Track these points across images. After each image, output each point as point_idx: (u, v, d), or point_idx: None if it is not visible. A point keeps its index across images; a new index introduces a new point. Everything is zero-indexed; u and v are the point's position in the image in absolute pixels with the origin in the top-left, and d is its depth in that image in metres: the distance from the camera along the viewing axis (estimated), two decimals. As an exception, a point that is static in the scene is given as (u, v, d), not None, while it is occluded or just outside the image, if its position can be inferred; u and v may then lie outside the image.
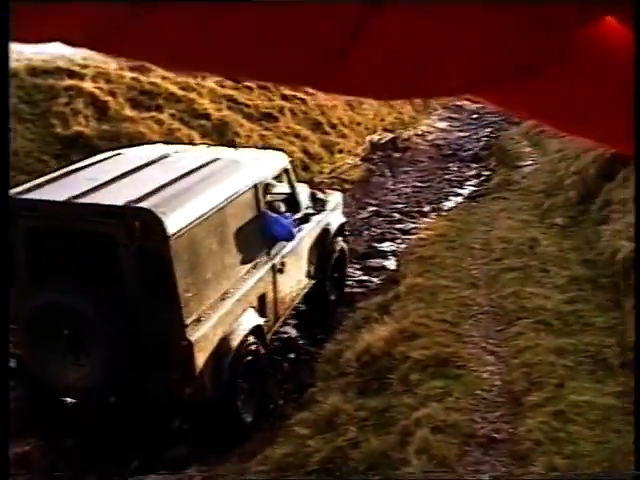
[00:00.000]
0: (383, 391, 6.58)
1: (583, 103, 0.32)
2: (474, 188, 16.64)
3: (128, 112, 14.58)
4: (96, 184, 6.47)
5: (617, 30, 0.29)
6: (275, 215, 7.53)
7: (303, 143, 17.66)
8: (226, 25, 0.26)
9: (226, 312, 6.56)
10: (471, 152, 21.43)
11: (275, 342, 8.69)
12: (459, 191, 16.54)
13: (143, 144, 9.11)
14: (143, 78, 16.21)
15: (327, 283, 9.07)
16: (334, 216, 9.41)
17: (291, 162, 8.64)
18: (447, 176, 18.07)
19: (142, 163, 7.29)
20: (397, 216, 14.14)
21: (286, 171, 8.15)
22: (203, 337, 6.16)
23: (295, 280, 8.24)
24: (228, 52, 0.27)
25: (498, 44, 0.27)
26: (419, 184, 16.90)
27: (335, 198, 9.72)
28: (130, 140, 13.53)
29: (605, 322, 7.48)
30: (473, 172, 18.39)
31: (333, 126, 18.25)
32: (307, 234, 8.48)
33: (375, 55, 0.27)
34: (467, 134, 25.23)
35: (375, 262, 11.59)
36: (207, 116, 16.04)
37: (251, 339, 6.83)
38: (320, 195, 9.29)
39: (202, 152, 8.29)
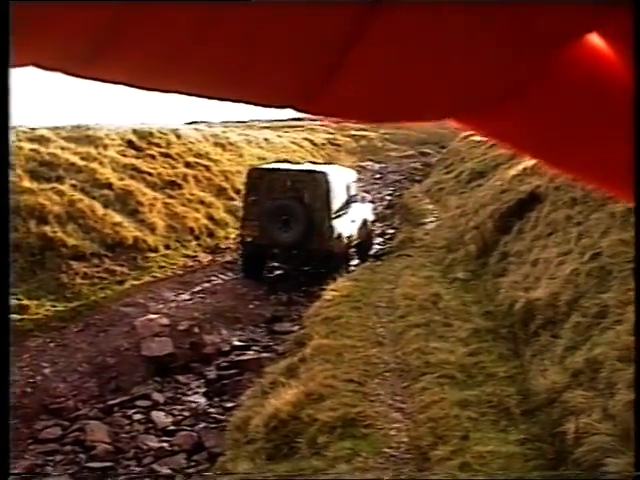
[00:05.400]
0: (292, 455, 6.52)
1: (568, 133, 0.31)
2: (379, 247, 16.96)
3: (27, 184, 14.29)
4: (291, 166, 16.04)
5: (603, 50, 0.29)
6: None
7: (208, 209, 17.66)
8: (206, 40, 0.26)
9: (340, 222, 14.30)
10: (375, 211, 21.85)
11: (184, 412, 8.80)
12: (364, 250, 16.76)
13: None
14: (42, 149, 15.97)
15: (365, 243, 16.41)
16: (369, 212, 16.96)
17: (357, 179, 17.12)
18: (352, 236, 18.37)
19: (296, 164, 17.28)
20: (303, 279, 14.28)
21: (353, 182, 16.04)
22: (338, 225, 14.16)
23: (356, 232, 15.34)
24: (207, 70, 0.27)
25: (481, 68, 0.28)
26: (325, 245, 17.07)
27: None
28: (30, 212, 13.26)
29: (506, 372, 7.69)
30: (378, 231, 18.73)
31: (237, 191, 18.28)
32: (358, 215, 15.65)
33: (362, 76, 0.28)
34: (371, 194, 25.77)
35: (282, 326, 11.63)
36: (109, 186, 15.85)
37: (346, 239, 14.62)
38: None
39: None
